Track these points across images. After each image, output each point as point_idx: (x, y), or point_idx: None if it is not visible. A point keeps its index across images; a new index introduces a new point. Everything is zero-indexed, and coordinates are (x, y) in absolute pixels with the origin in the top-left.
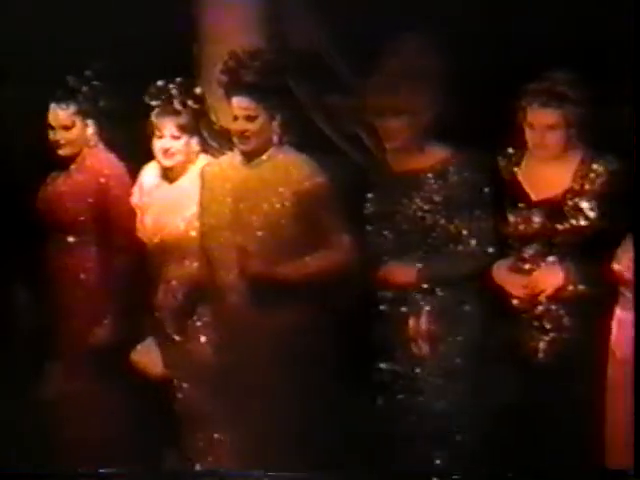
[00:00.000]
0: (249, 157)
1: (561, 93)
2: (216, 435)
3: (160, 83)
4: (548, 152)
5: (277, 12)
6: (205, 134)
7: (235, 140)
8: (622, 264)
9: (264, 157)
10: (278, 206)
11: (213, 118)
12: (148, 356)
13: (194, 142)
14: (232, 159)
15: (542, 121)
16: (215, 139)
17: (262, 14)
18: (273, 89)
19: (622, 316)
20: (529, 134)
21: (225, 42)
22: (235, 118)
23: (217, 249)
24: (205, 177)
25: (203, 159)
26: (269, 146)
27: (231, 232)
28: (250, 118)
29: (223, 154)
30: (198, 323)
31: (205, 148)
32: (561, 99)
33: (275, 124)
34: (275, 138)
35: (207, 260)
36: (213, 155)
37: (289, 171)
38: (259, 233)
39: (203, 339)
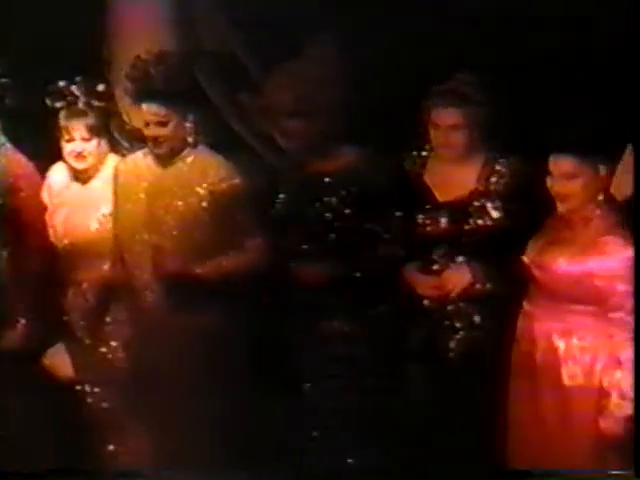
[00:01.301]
0: (164, 158)
1: (464, 94)
2: (130, 437)
3: (62, 83)
4: (452, 152)
5: (188, 12)
6: (116, 135)
7: (149, 145)
8: (530, 257)
9: (180, 157)
10: (194, 206)
11: (125, 119)
12: (58, 360)
13: (104, 143)
14: (147, 158)
15: (446, 121)
16: (127, 140)
17: (173, 14)
18: (182, 92)
19: (528, 309)
20: (434, 134)
21: (135, 42)
22: (147, 124)
23: (132, 248)
24: (119, 176)
25: (112, 159)
26: (184, 147)
27: (147, 231)
28: (162, 123)
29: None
30: (110, 326)
31: (116, 148)
32: (464, 100)
33: (188, 126)
34: (189, 139)
35: (121, 260)
36: (124, 156)
37: (206, 172)
38: (174, 232)
39: (114, 342)
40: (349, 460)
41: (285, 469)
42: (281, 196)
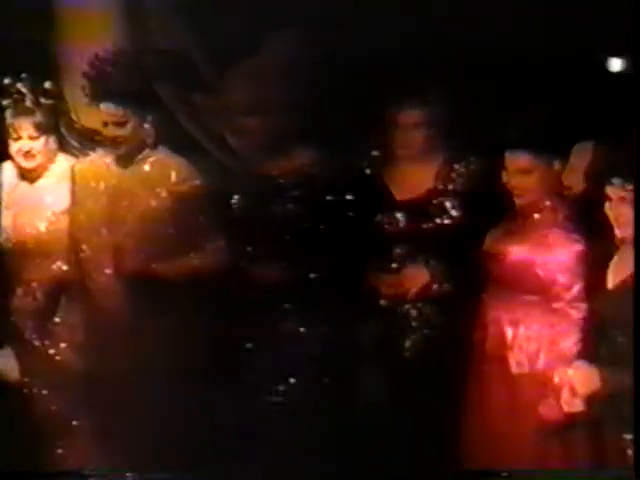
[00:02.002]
0: (124, 159)
1: (422, 93)
2: (79, 438)
3: (7, 81)
4: (412, 152)
5: (140, 11)
6: (65, 133)
7: (108, 145)
8: (485, 248)
9: (140, 158)
10: (154, 207)
11: (74, 117)
12: (5, 362)
13: (52, 141)
14: (106, 158)
15: (406, 121)
16: (76, 139)
17: (124, 13)
18: (138, 93)
19: (483, 297)
20: (394, 134)
21: (86, 42)
22: (105, 124)
23: (90, 248)
24: (77, 176)
25: (62, 158)
26: (143, 148)
27: (106, 231)
28: (120, 124)
29: (85, 154)
30: (59, 327)
31: (64, 147)
32: (422, 99)
33: (147, 127)
34: (148, 140)
35: (75, 260)
36: (73, 155)
37: (166, 173)
38: (135, 233)
39: (64, 344)
40: (305, 459)
41: (239, 469)
42: (236, 197)
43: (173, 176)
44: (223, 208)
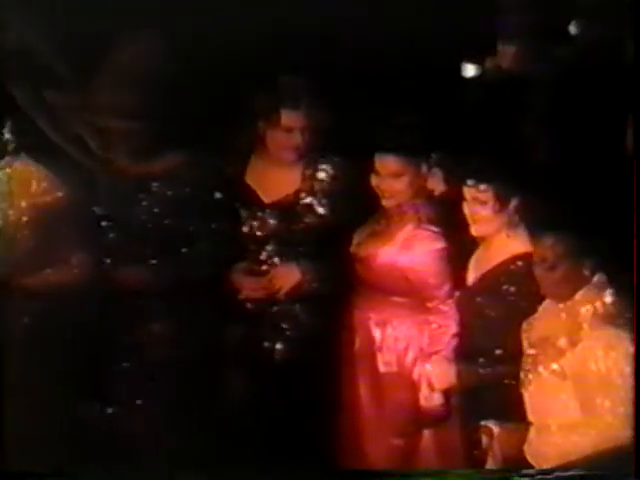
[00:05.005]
0: None
1: (294, 96)
2: None
3: None
4: (290, 155)
5: None
6: None
7: None
8: (352, 249)
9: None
10: (14, 219)
11: None
12: None
13: None
14: None
15: (276, 123)
16: None
17: None
18: None
19: (352, 298)
20: (272, 136)
21: None
22: None
23: None
24: None
25: None
26: (3, 155)
27: None
28: None
29: None
30: None
31: None
32: (295, 102)
33: (5, 132)
34: (9, 147)
35: None
36: None
37: (27, 184)
38: None
39: None
40: (173, 463)
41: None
42: (102, 202)
43: (34, 187)
44: (87, 216)
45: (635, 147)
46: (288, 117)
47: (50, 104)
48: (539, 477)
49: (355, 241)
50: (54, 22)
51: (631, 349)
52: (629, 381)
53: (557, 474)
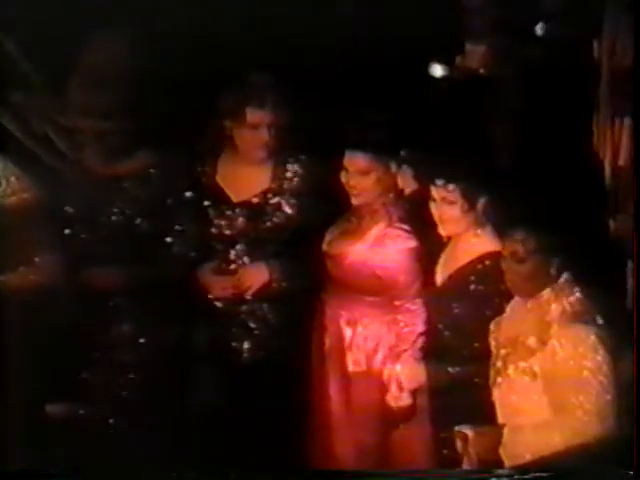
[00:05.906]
0: None
1: (264, 95)
2: None
3: None
4: (258, 153)
5: None
6: None
7: None
8: (324, 248)
9: None
10: None
11: None
12: None
13: None
14: None
15: (243, 121)
16: None
17: None
18: None
19: (322, 296)
20: (241, 135)
21: None
22: None
23: None
24: None
25: None
26: None
27: None
28: None
29: None
30: None
31: None
32: (262, 101)
33: None
34: None
35: None
36: None
37: None
38: None
39: None
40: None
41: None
42: (71, 203)
43: (2, 188)
44: (56, 217)
45: (635, 147)
46: (253, 115)
47: (17, 104)
48: (516, 477)
49: (327, 239)
50: (21, 22)
51: (599, 344)
52: (599, 377)
53: (533, 474)
